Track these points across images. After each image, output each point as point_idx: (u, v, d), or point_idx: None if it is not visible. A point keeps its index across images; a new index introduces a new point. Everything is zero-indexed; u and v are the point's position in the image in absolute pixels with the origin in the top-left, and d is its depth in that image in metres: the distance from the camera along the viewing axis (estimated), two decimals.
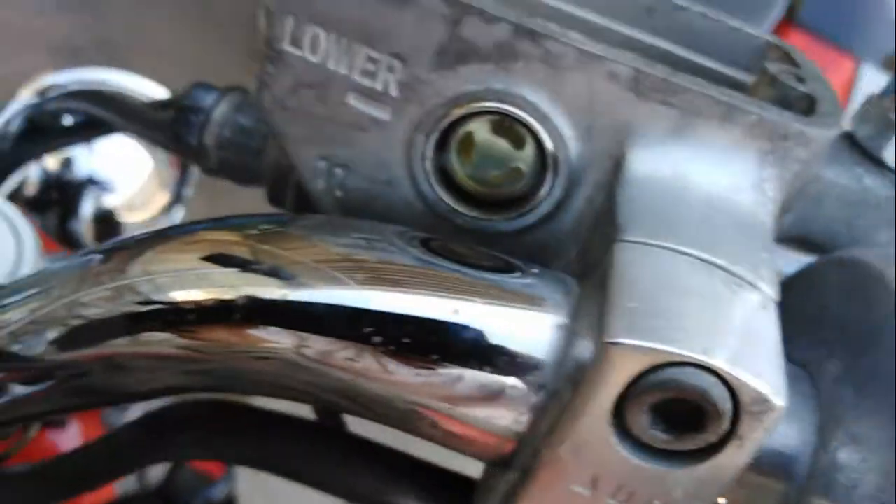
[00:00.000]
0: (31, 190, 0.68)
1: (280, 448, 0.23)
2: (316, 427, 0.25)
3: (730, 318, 0.15)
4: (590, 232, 0.21)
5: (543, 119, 0.20)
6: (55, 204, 0.70)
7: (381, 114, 0.21)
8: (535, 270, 0.19)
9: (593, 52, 0.19)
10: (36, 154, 0.60)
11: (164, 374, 0.22)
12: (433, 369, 0.18)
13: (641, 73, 0.19)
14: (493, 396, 0.18)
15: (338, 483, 0.23)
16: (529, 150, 0.21)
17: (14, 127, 0.61)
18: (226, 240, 0.21)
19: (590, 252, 0.20)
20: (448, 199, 0.22)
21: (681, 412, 0.15)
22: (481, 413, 0.18)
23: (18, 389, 0.25)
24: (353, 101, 0.21)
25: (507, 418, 0.18)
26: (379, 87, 0.20)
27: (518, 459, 0.18)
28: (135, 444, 0.25)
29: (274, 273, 0.19)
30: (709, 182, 0.19)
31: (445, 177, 0.22)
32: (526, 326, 0.18)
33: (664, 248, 0.17)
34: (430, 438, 0.19)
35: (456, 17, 0.19)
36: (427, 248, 0.19)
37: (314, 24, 0.20)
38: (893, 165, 0.23)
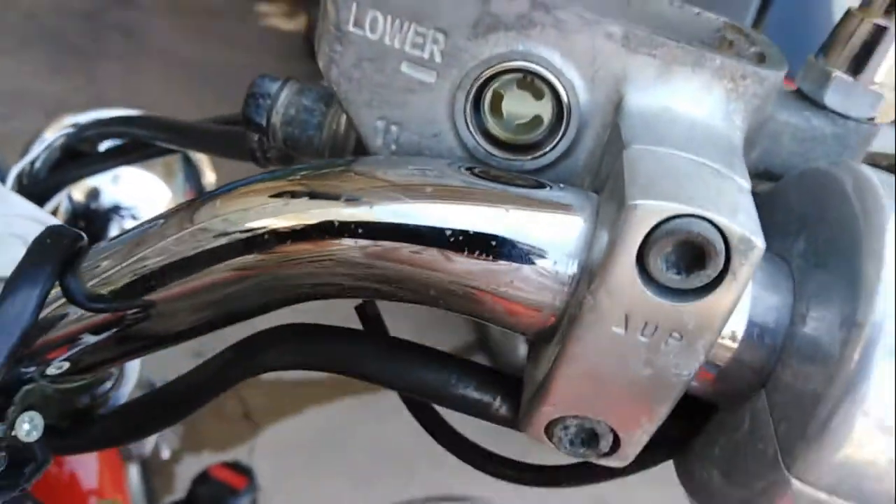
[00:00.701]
0: (60, 219, 0.73)
1: (357, 354, 0.28)
2: (377, 336, 0.29)
3: (718, 190, 0.20)
4: (599, 164, 0.26)
5: (557, 73, 0.25)
6: (82, 231, 0.74)
7: (428, 78, 0.26)
8: (562, 186, 0.24)
9: (593, 18, 0.25)
10: (73, 179, 0.65)
11: (229, 299, 0.27)
12: (488, 261, 0.23)
13: (631, 32, 0.25)
14: (537, 279, 0.23)
15: (409, 380, 0.27)
16: (547, 100, 0.26)
17: (49, 156, 0.66)
18: (289, 180, 0.25)
19: (601, 176, 0.26)
20: (485, 145, 0.27)
21: (687, 258, 0.20)
22: (529, 293, 0.23)
23: (89, 338, 0.30)
24: (405, 68, 0.26)
25: (550, 295, 0.23)
26: (426, 55, 0.26)
27: (559, 332, 0.23)
28: (230, 364, 0.29)
29: (343, 198, 0.24)
30: (689, 114, 0.25)
31: (481, 127, 0.27)
32: (560, 225, 0.23)
33: (662, 151, 0.22)
34: (488, 318, 0.24)
35: None
36: (472, 172, 0.25)
37: (373, 8, 0.26)
38: (835, 109, 0.28)
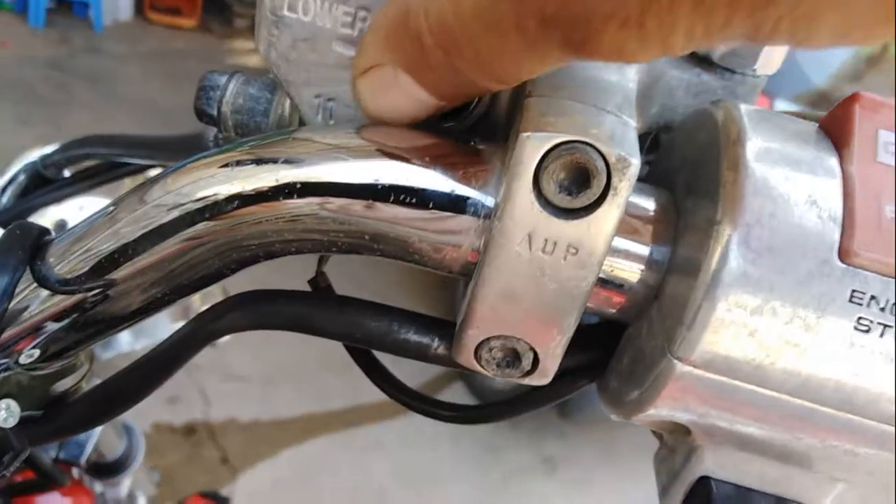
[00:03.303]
0: None
1: (308, 312, 0.31)
2: (324, 295, 0.32)
3: (601, 122, 0.24)
4: (511, 119, 0.30)
5: None
6: None
7: None
8: (476, 139, 0.28)
9: None
10: (39, 205, 0.67)
11: (188, 269, 0.29)
12: (413, 208, 0.26)
13: None
14: (456, 222, 0.26)
15: (356, 331, 0.30)
16: None
17: (16, 186, 0.68)
18: (237, 150, 0.28)
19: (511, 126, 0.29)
20: None
21: (575, 180, 0.23)
22: (451, 234, 0.26)
23: (57, 324, 0.32)
24: (337, 47, 0.29)
25: (469, 235, 0.26)
26: (355, 33, 0.29)
27: (478, 266, 0.26)
28: (193, 332, 0.32)
29: (289, 161, 0.27)
30: (585, 70, 0.28)
31: None
32: (473, 172, 0.26)
33: (556, 97, 0.25)
34: (417, 260, 0.27)
35: None
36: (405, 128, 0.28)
37: None
38: (722, 64, 0.32)
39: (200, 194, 0.28)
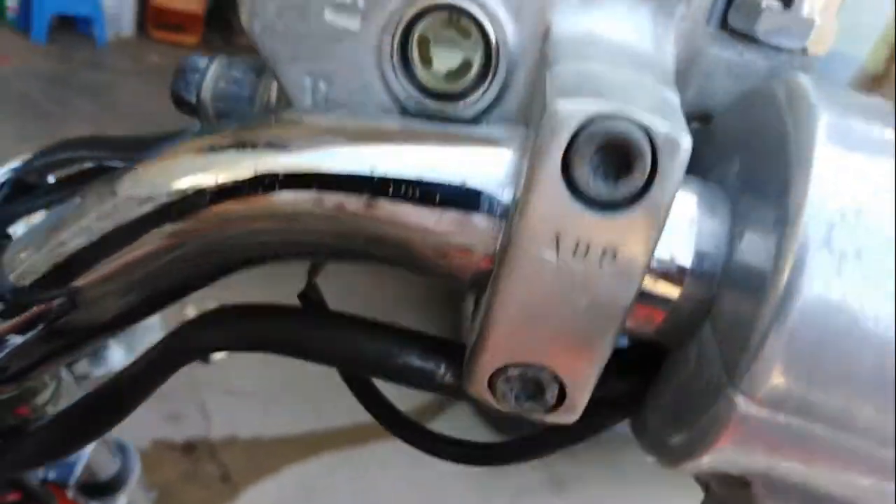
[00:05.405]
0: None
1: (291, 330, 0.26)
2: (313, 310, 0.28)
3: (642, 94, 0.20)
4: (531, 108, 0.26)
5: (482, 6, 0.24)
6: None
7: (353, 24, 0.25)
8: (488, 124, 0.24)
9: None
10: (23, 212, 0.63)
11: (161, 275, 0.25)
12: (415, 203, 0.22)
13: None
14: (466, 220, 0.22)
15: (347, 353, 0.26)
16: (475, 41, 0.25)
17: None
18: (215, 136, 0.24)
19: (531, 112, 0.25)
20: (415, 95, 0.26)
21: (614, 164, 0.19)
22: (460, 234, 0.22)
23: (15, 339, 0.28)
24: (328, 15, 0.26)
25: (481, 235, 0.21)
26: (349, 0, 0.25)
27: (493, 276, 0.22)
28: (167, 351, 0.28)
29: (271, 145, 0.23)
30: (618, 38, 0.24)
31: (411, 77, 0.26)
32: (486, 158, 0.22)
33: (587, 66, 0.21)
34: (421, 269, 0.23)
35: None
36: (405, 114, 0.24)
37: None
38: (766, 41, 0.28)
39: (175, 185, 0.24)
